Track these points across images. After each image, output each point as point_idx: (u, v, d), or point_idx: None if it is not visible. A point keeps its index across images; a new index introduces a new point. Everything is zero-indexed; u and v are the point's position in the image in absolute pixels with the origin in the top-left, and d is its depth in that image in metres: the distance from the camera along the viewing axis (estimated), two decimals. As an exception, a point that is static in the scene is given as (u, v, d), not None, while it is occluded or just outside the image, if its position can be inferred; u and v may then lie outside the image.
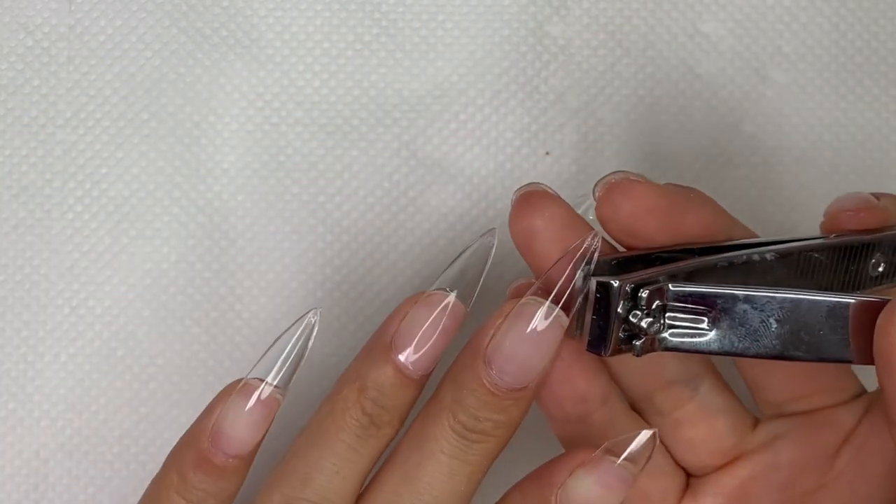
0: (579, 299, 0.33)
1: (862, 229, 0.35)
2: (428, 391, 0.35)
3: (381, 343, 0.34)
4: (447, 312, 0.34)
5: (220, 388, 0.42)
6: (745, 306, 0.32)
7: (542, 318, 0.33)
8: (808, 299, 0.32)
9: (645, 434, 0.33)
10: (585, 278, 0.33)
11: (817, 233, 0.36)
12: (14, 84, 0.43)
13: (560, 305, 0.33)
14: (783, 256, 0.34)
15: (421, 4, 0.44)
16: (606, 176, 0.35)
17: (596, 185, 0.35)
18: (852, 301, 0.32)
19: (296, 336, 0.34)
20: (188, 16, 0.44)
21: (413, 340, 0.34)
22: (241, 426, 0.34)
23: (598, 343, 0.32)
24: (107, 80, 0.43)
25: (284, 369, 0.34)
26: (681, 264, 0.33)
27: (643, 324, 0.32)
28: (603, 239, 0.34)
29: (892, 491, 0.35)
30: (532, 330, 0.33)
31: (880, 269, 0.35)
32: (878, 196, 0.35)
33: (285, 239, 0.43)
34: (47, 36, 0.43)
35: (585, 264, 0.33)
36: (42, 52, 0.43)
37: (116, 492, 0.43)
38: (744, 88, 0.43)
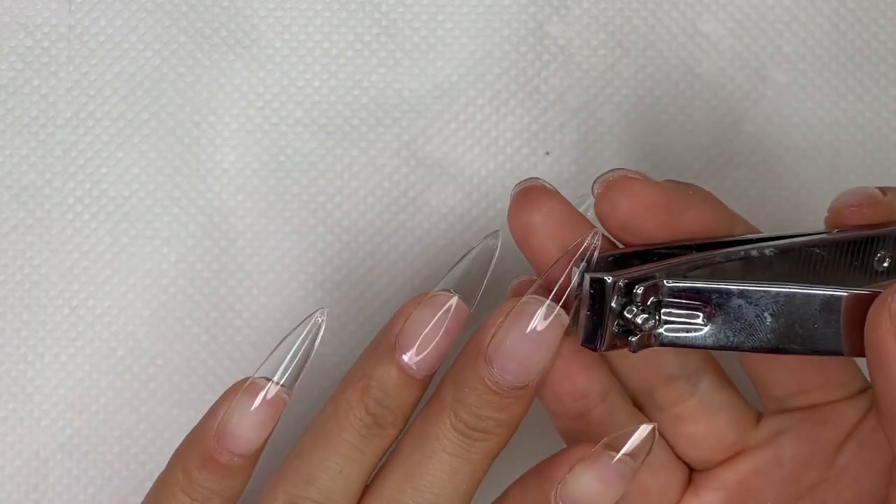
0: (576, 296, 0.33)
1: (866, 224, 0.35)
2: (429, 391, 0.35)
3: (385, 343, 0.34)
4: (451, 313, 0.34)
5: (221, 388, 0.42)
6: (740, 301, 0.32)
7: (542, 317, 0.33)
8: (801, 293, 0.32)
9: (644, 429, 0.33)
10: (583, 275, 0.33)
11: (820, 229, 0.36)
12: (14, 84, 0.43)
13: (560, 304, 0.33)
14: (783, 252, 0.34)
15: (421, 4, 0.44)
16: (605, 174, 0.35)
17: (595, 182, 0.35)
18: (845, 294, 0.32)
19: (302, 335, 0.35)
20: (188, 16, 0.44)
21: (417, 341, 0.34)
22: (246, 425, 0.34)
23: (593, 338, 0.33)
24: (107, 80, 0.43)
25: (291, 369, 0.34)
26: (677, 260, 0.33)
27: (638, 320, 0.32)
28: (602, 235, 0.35)
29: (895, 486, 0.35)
30: (532, 329, 0.33)
31: (885, 264, 0.35)
32: (884, 191, 0.35)
33: (285, 239, 0.43)
34: (47, 36, 0.43)
35: (585, 262, 0.33)
36: (42, 52, 0.43)
37: (116, 492, 0.43)
38: (744, 88, 0.43)
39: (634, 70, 0.44)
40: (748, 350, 0.33)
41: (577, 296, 0.33)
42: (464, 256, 0.35)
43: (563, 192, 0.35)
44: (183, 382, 0.43)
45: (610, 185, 0.34)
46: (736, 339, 0.33)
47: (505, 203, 0.43)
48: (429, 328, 0.34)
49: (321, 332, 0.35)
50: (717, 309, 0.32)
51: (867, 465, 0.36)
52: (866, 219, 0.35)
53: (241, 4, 0.44)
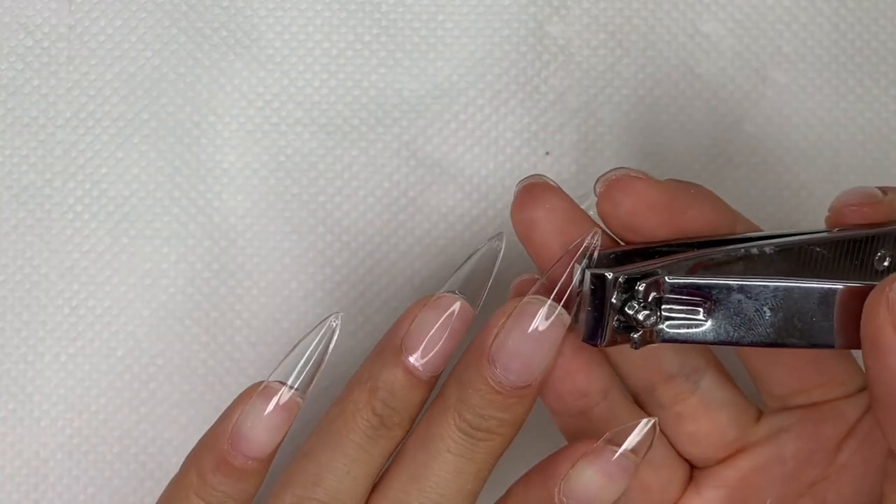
0: (578, 293, 0.33)
1: (866, 224, 0.35)
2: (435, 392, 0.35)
3: (391, 345, 0.34)
4: (455, 315, 0.34)
5: (221, 388, 0.43)
6: (740, 296, 0.33)
7: (544, 317, 0.33)
8: (800, 287, 0.33)
9: (645, 423, 0.34)
10: (584, 273, 0.33)
11: (821, 228, 0.36)
12: (14, 84, 0.43)
13: (562, 303, 0.33)
14: (783, 250, 0.34)
15: (421, 4, 0.44)
16: (607, 172, 0.35)
17: (597, 181, 0.35)
18: (840, 287, 0.32)
19: (316, 340, 0.35)
20: (188, 16, 0.44)
21: (422, 343, 0.34)
22: (260, 429, 0.34)
23: (594, 334, 0.33)
24: (107, 80, 0.43)
25: (304, 373, 0.35)
26: (678, 257, 0.34)
27: (640, 316, 0.32)
28: (604, 233, 0.35)
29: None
30: (534, 329, 0.33)
31: (886, 263, 0.35)
32: (885, 190, 0.35)
33: (285, 239, 0.43)
34: (47, 36, 0.43)
35: (586, 260, 0.33)
36: (42, 52, 0.43)
37: (116, 492, 0.43)
38: (744, 88, 0.43)
39: (634, 70, 0.44)
40: (748, 344, 0.33)
41: (578, 293, 0.33)
42: (468, 258, 0.36)
43: (563, 192, 0.36)
44: (183, 382, 0.43)
45: (612, 184, 0.35)
46: (736, 334, 0.33)
47: (505, 203, 0.43)
48: (434, 330, 0.34)
49: (335, 337, 0.35)
50: (717, 304, 0.33)
51: (867, 463, 0.36)
52: (867, 218, 0.35)
53: (241, 4, 0.44)
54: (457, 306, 0.34)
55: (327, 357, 0.35)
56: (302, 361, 0.35)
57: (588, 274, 0.33)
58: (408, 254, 0.43)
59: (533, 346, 0.33)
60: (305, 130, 0.43)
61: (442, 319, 0.34)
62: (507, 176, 0.43)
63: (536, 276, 0.35)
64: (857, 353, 0.35)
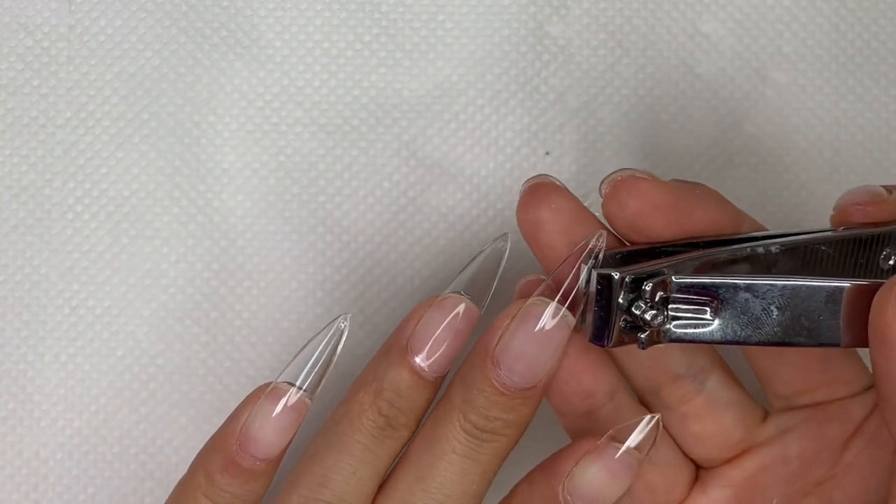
0: (584, 294, 0.33)
1: (871, 223, 0.35)
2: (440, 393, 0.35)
3: (397, 346, 0.35)
4: (461, 316, 0.34)
5: (221, 388, 0.43)
6: (747, 295, 0.33)
7: (549, 318, 0.33)
8: (807, 285, 0.33)
9: (648, 419, 0.34)
10: (590, 273, 0.33)
11: (825, 227, 0.36)
12: (14, 84, 0.43)
13: (567, 304, 0.33)
14: (789, 249, 0.34)
15: (421, 4, 0.44)
16: (613, 173, 0.35)
17: (602, 182, 0.35)
18: (847, 285, 0.33)
19: (325, 341, 0.35)
20: (188, 16, 0.44)
21: (428, 343, 0.34)
22: (269, 430, 0.34)
23: (601, 334, 0.33)
24: (107, 80, 0.43)
25: (313, 374, 0.35)
26: (684, 257, 0.34)
27: (647, 316, 0.32)
28: (609, 233, 0.35)
29: None
30: (539, 330, 0.33)
31: (891, 261, 0.35)
32: (889, 189, 0.35)
33: (285, 239, 0.43)
34: (47, 36, 0.43)
35: (592, 260, 0.33)
36: (42, 52, 0.43)
37: (116, 492, 0.43)
38: (744, 88, 0.43)
39: (634, 70, 0.44)
40: (755, 344, 0.33)
41: (584, 294, 0.33)
42: (473, 259, 0.36)
43: (564, 192, 0.36)
44: (183, 382, 0.43)
45: (618, 185, 0.35)
46: (743, 334, 0.33)
47: (505, 203, 0.43)
48: (440, 331, 0.34)
49: (343, 338, 0.35)
50: (724, 304, 0.33)
51: (874, 462, 0.36)
52: (872, 217, 0.35)
53: (241, 4, 0.44)
54: (462, 307, 0.34)
55: (336, 358, 0.35)
56: (310, 363, 0.35)
57: (594, 274, 0.33)
58: (408, 254, 0.43)
59: (537, 347, 0.33)
60: (305, 130, 0.43)
61: (447, 320, 0.34)
62: (507, 176, 0.43)
63: (542, 276, 0.35)
64: (863, 353, 0.35)
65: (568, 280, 0.33)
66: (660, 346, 0.33)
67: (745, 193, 0.43)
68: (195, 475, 0.35)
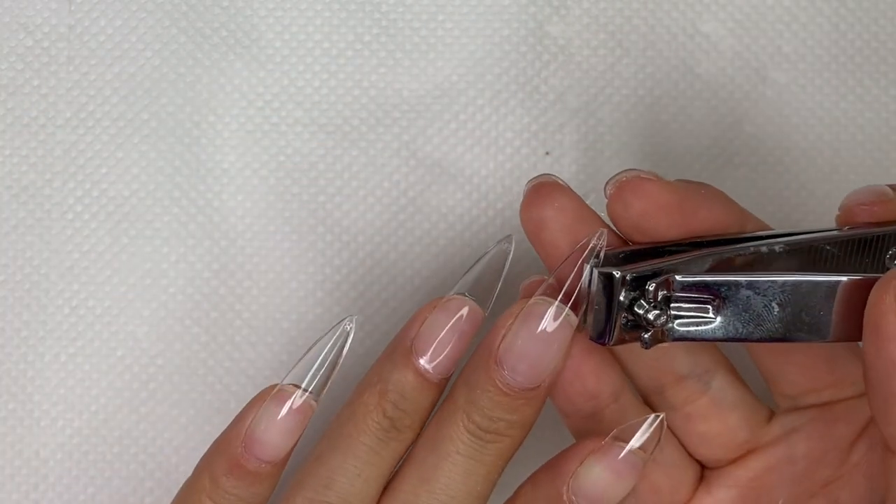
0: (586, 294, 0.33)
1: (877, 222, 0.35)
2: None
3: (401, 348, 0.35)
4: (465, 317, 0.34)
5: (221, 388, 0.43)
6: (748, 292, 0.33)
7: (551, 318, 0.33)
8: (807, 281, 0.33)
9: (653, 419, 0.34)
10: (592, 272, 0.33)
11: (826, 226, 0.36)
12: (14, 84, 0.43)
13: (570, 304, 0.33)
14: (793, 249, 0.34)
15: (421, 4, 0.44)
16: (618, 174, 0.35)
17: (607, 183, 0.35)
18: (846, 279, 0.33)
19: (330, 343, 0.35)
20: (188, 16, 0.44)
21: (432, 345, 0.34)
22: (274, 432, 0.34)
23: (602, 332, 0.33)
24: (107, 80, 0.43)
25: (318, 376, 0.35)
26: (686, 256, 0.34)
27: (650, 316, 0.32)
28: (611, 233, 0.35)
29: None
30: (542, 330, 0.33)
31: None
32: (895, 189, 0.35)
33: (285, 239, 0.43)
34: (47, 36, 0.43)
35: (594, 259, 0.33)
36: (42, 52, 0.43)
37: (116, 492, 0.43)
38: (744, 88, 0.43)
39: (634, 70, 0.44)
40: (757, 340, 0.33)
41: (587, 293, 0.33)
42: (478, 260, 0.36)
43: (565, 192, 0.36)
44: (183, 382, 0.43)
45: (623, 186, 0.35)
46: (745, 331, 0.33)
47: (505, 202, 0.43)
48: (444, 332, 0.34)
49: (349, 340, 0.35)
50: (726, 301, 0.33)
51: (881, 462, 0.36)
52: (878, 217, 0.35)
53: (241, 4, 0.44)
54: (466, 309, 0.34)
55: (341, 360, 0.35)
56: (316, 365, 0.35)
57: (596, 273, 0.33)
58: (408, 254, 0.43)
59: (540, 347, 0.33)
60: (305, 130, 0.43)
61: (452, 322, 0.34)
62: (507, 176, 0.43)
63: (546, 277, 0.35)
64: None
65: (570, 279, 0.33)
66: (663, 345, 0.33)
67: (745, 193, 0.43)
68: (200, 477, 0.35)
